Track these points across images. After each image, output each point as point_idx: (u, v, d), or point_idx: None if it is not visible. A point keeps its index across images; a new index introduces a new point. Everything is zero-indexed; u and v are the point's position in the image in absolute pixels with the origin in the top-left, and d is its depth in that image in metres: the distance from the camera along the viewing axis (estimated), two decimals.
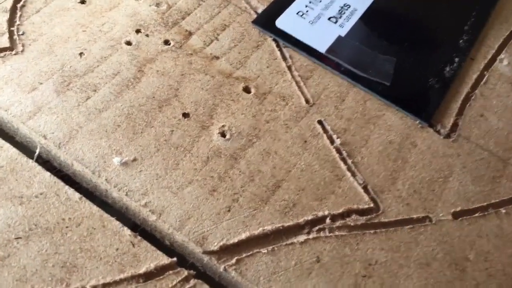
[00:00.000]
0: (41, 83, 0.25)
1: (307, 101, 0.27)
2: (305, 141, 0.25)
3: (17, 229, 0.20)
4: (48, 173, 0.22)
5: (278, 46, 0.29)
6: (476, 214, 0.24)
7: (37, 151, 0.23)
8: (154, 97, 0.25)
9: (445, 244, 0.23)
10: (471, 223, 0.24)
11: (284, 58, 0.28)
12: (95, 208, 0.22)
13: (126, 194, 0.22)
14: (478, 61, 0.30)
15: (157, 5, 0.29)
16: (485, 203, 0.24)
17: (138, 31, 0.28)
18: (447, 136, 0.26)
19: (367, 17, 0.30)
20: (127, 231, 0.21)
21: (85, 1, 0.28)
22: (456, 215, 0.24)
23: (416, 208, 0.24)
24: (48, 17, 0.27)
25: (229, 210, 0.22)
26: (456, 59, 0.29)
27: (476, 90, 0.28)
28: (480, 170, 0.25)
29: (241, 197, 0.23)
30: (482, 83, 0.29)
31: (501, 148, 0.26)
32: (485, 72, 0.29)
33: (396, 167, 0.25)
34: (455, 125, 0.27)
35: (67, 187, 0.22)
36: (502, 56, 0.30)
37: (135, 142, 0.24)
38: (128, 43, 0.27)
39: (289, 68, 0.28)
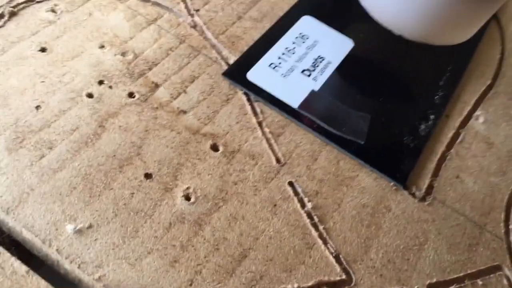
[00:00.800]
0: None
1: (277, 161, 0.25)
2: (275, 205, 0.24)
3: None
4: None
5: (249, 99, 0.27)
6: (452, 287, 0.23)
7: None
8: (114, 155, 0.24)
9: None
10: None
11: (255, 113, 0.27)
12: (43, 283, 0.20)
13: (79, 267, 0.20)
14: (454, 118, 0.29)
15: (123, 54, 0.28)
16: (461, 274, 0.23)
17: (101, 82, 0.26)
18: (422, 199, 0.25)
19: (342, 70, 0.29)
20: None
21: (46, 49, 0.27)
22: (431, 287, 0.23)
23: (390, 279, 0.23)
24: (4, 66, 0.26)
25: (191, 284, 0.21)
26: (431, 116, 0.28)
27: (452, 150, 0.28)
28: (456, 237, 0.24)
29: (204, 269, 0.21)
30: (457, 142, 0.28)
31: (477, 213, 0.25)
32: (461, 130, 0.29)
33: (369, 233, 0.24)
34: (430, 187, 0.26)
35: (13, 259, 0.20)
36: (478, 113, 0.29)
37: (92, 206, 0.22)
38: (90, 95, 0.26)
39: (259, 124, 0.27)
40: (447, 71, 0.31)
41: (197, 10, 0.31)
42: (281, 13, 0.32)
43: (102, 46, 0.28)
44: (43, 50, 0.27)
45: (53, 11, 0.28)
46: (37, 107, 0.25)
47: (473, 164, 0.27)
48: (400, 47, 0.31)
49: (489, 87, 0.31)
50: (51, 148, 0.23)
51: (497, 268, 0.24)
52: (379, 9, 0.27)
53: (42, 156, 0.23)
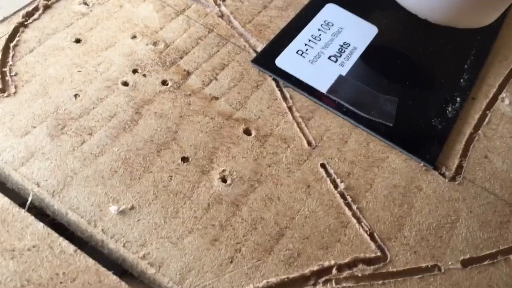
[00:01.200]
0: (34, 127, 0.24)
1: (309, 143, 0.26)
2: (308, 186, 0.24)
3: (8, 286, 0.19)
4: (41, 224, 0.21)
5: (278, 85, 0.28)
6: (485, 262, 0.23)
7: (29, 200, 0.22)
8: (152, 140, 0.25)
9: None
10: (480, 272, 0.23)
11: (285, 98, 0.28)
12: (91, 262, 0.20)
13: (124, 245, 0.21)
14: (480, 100, 0.30)
15: (154, 44, 0.28)
16: (494, 250, 0.24)
17: (135, 71, 0.27)
18: (452, 179, 0.26)
19: (367, 55, 0.30)
20: (125, 286, 0.20)
21: (80, 40, 0.28)
22: (465, 263, 0.23)
23: (424, 256, 0.23)
24: (42, 57, 0.26)
25: (231, 262, 0.22)
26: (458, 99, 0.29)
27: (479, 131, 0.28)
28: (487, 215, 0.25)
29: (243, 247, 0.22)
30: (484, 123, 0.28)
31: (507, 192, 0.26)
32: (487, 112, 0.29)
33: (402, 212, 0.24)
34: (459, 168, 0.26)
35: (61, 238, 0.21)
36: (503, 95, 0.30)
37: (133, 188, 0.23)
38: (125, 83, 0.26)
39: (289, 108, 0.27)
40: (471, 55, 0.31)
41: (224, 0, 0.31)
42: (305, 1, 0.32)
43: (134, 37, 0.28)
44: (77, 41, 0.28)
45: (85, 3, 0.29)
46: (76, 96, 0.25)
47: (501, 145, 0.28)
48: (423, 33, 0.31)
49: None
50: (91, 134, 0.24)
51: None
52: None
53: (83, 142, 0.24)
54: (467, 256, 0.23)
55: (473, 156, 0.27)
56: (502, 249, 0.24)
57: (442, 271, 0.23)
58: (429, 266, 0.23)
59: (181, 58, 0.28)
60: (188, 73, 0.28)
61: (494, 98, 0.30)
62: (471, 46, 0.32)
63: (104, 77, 0.26)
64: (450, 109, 0.28)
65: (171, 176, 0.24)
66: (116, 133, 0.24)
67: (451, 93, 0.29)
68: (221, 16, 0.31)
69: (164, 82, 0.27)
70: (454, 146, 0.27)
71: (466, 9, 0.26)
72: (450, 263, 0.23)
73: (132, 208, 0.22)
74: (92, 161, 0.23)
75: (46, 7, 0.29)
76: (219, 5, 0.31)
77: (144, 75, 0.27)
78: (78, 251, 0.21)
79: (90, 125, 0.24)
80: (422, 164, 0.26)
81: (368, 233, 0.23)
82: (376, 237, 0.23)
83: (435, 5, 0.27)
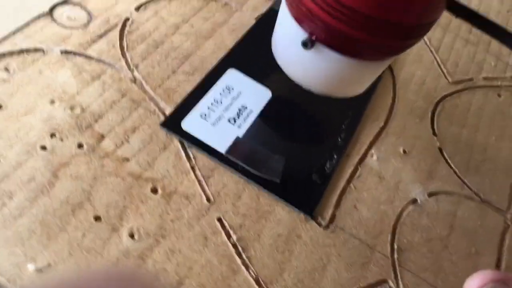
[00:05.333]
0: None
1: (208, 200, 0.30)
2: (206, 238, 0.29)
3: None
4: None
5: (183, 146, 0.32)
6: None
7: None
8: (67, 201, 0.28)
9: None
10: None
11: (189, 158, 0.32)
12: None
13: None
14: (353, 156, 0.35)
15: (71, 108, 0.32)
16: (355, 287, 0.29)
17: (53, 135, 0.30)
18: (326, 227, 0.31)
19: (261, 118, 0.35)
20: None
21: (1, 106, 0.30)
22: None
23: None
24: None
25: None
26: (335, 156, 0.34)
27: (351, 184, 0.34)
28: (353, 257, 0.30)
29: None
30: (355, 177, 0.34)
31: (369, 236, 0.32)
32: (359, 167, 0.35)
33: (283, 258, 0.29)
34: (332, 217, 0.32)
35: None
36: (372, 151, 0.36)
37: (49, 248, 0.26)
38: (43, 147, 0.29)
39: (192, 168, 0.32)
40: (348, 116, 0.37)
41: (136, 66, 0.35)
42: (210, 67, 0.37)
43: (52, 102, 0.32)
44: None
45: (6, 69, 0.32)
46: None
47: (368, 196, 0.34)
48: (309, 97, 0.37)
49: (382, 129, 0.38)
50: (11, 198, 0.27)
51: (384, 281, 0.30)
52: (290, 70, 0.33)
53: (4, 205, 0.27)
54: None
55: (344, 206, 0.33)
56: (361, 286, 0.29)
57: None
58: None
59: (96, 121, 0.32)
60: (102, 136, 0.31)
61: (365, 154, 0.36)
62: (349, 108, 0.38)
63: (24, 142, 0.29)
64: (328, 165, 0.34)
65: (84, 234, 0.27)
66: (34, 196, 0.28)
67: (330, 151, 0.35)
68: (134, 81, 0.34)
69: (80, 145, 0.30)
70: (330, 198, 0.33)
71: (337, 85, 0.32)
72: None
73: (49, 265, 0.26)
74: (12, 223, 0.26)
75: None
76: (132, 70, 0.35)
77: (61, 139, 0.30)
78: None
79: (10, 189, 0.27)
80: (302, 215, 0.31)
81: (254, 278, 0.28)
82: (261, 281, 0.28)
83: (312, 81, 0.32)
